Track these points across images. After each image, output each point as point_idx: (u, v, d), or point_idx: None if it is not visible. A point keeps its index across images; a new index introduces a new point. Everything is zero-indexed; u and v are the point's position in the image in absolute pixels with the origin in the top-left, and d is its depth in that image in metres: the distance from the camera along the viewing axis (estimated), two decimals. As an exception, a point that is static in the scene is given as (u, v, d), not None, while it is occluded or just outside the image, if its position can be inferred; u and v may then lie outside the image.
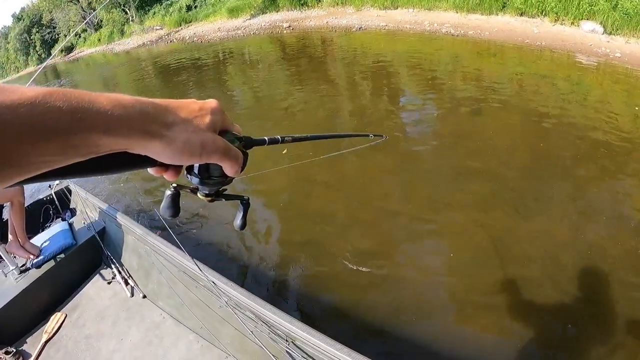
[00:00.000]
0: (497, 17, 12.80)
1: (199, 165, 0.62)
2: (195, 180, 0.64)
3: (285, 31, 18.77)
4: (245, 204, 0.77)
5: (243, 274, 4.29)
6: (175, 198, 0.67)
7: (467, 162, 5.36)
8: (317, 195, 5.43)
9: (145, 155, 0.52)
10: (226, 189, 0.71)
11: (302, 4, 20.29)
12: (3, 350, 3.27)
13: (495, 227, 4.27)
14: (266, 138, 0.75)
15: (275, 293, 3.99)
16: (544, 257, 3.83)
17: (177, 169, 0.60)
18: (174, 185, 0.66)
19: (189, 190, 0.69)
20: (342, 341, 2.23)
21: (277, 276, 4.21)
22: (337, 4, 18.62)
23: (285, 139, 0.79)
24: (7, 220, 3.86)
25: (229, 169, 0.62)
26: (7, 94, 0.36)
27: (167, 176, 0.61)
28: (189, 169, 0.64)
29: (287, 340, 2.40)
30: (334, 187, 5.47)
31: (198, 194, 0.69)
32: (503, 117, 6.74)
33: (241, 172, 0.66)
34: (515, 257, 3.92)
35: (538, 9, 11.93)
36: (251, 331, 2.47)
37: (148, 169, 0.59)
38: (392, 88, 8.91)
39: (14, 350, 3.33)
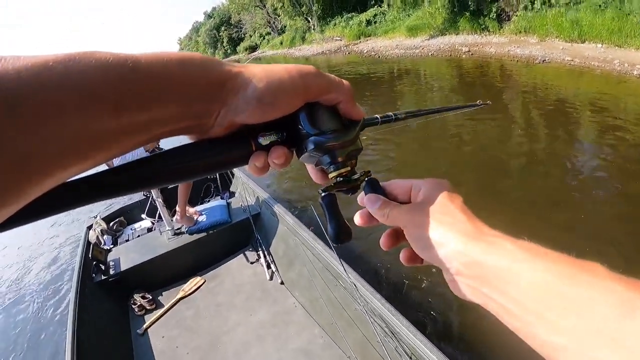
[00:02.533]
0: None
1: (300, 114, 0.47)
2: (310, 145, 0.48)
3: (463, 55, 18.20)
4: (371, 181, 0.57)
5: (384, 282, 4.23)
6: (331, 204, 0.54)
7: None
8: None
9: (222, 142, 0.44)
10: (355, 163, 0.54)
11: (482, 29, 19.58)
12: (140, 295, 3.74)
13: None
14: (378, 116, 0.64)
15: (411, 308, 3.82)
16: None
17: (279, 147, 0.47)
18: (322, 190, 0.54)
19: (338, 185, 0.53)
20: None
21: (419, 295, 4.05)
22: (520, 31, 17.62)
23: (398, 116, 0.68)
24: (172, 188, 4.41)
25: (341, 100, 0.49)
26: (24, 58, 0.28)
27: (275, 159, 0.47)
28: (296, 136, 0.48)
29: (410, 358, 2.31)
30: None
31: (330, 176, 0.53)
32: None
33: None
34: None
35: None
36: (379, 340, 2.41)
37: (247, 166, 0.48)
38: (569, 131, 8.09)
39: (150, 297, 3.77)
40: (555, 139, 7.81)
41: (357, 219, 0.57)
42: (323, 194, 0.54)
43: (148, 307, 3.66)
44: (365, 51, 25.72)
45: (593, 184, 5.82)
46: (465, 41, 19.64)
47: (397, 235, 0.55)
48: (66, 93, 0.28)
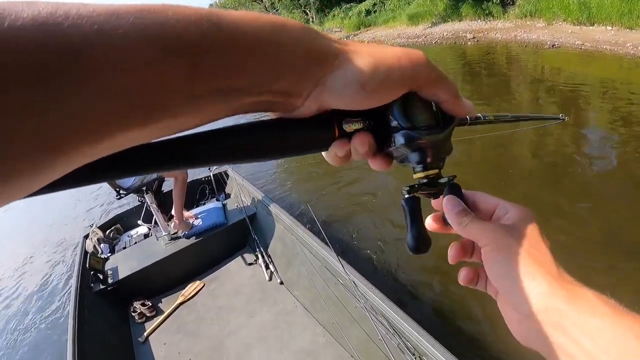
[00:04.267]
0: None
1: (397, 103, 0.43)
2: (399, 139, 0.44)
3: (469, 43, 17.92)
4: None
5: (384, 279, 4.30)
6: (415, 209, 0.50)
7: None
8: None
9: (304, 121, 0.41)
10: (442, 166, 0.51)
11: (486, 14, 19.36)
12: (140, 302, 3.80)
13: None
14: (467, 117, 0.59)
15: (413, 305, 3.91)
16: None
17: (364, 133, 0.44)
18: (406, 189, 0.51)
19: (422, 187, 0.50)
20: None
21: (419, 291, 4.14)
22: (526, 15, 17.39)
23: (487, 117, 0.67)
24: (167, 192, 4.56)
25: (448, 98, 0.45)
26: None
27: (359, 145, 0.44)
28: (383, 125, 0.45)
29: (414, 354, 2.34)
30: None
31: (415, 176, 0.49)
32: None
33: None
34: None
35: None
36: (381, 338, 2.47)
37: (324, 153, 0.46)
38: (577, 120, 8.00)
39: (150, 304, 3.84)
40: (573, 131, 7.83)
41: (430, 222, 0.55)
42: (407, 196, 0.50)
43: (148, 314, 3.74)
44: (366, 41, 25.52)
45: (604, 177, 5.80)
46: (469, 27, 19.40)
47: (465, 250, 0.53)
48: (137, 45, 0.26)
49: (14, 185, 0.24)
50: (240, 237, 4.48)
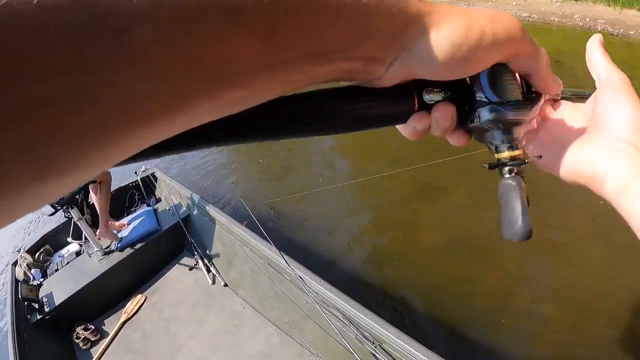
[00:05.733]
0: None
1: (485, 74, 0.39)
2: (485, 114, 0.40)
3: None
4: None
5: (330, 272, 4.34)
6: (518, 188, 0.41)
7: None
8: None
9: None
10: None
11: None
12: (82, 327, 3.65)
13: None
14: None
15: (364, 295, 3.98)
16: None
17: (446, 104, 0.40)
18: (504, 164, 0.43)
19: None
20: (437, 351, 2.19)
21: (367, 278, 4.26)
22: (465, -12, 17.72)
23: (578, 92, 0.61)
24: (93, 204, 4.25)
25: (541, 71, 0.42)
26: None
27: (441, 118, 0.40)
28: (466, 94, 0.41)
29: (373, 343, 2.40)
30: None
31: (497, 156, 0.44)
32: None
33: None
34: None
35: None
36: (337, 331, 2.50)
37: (400, 127, 0.43)
38: None
39: (93, 327, 3.71)
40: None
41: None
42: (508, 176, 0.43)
43: (93, 339, 3.62)
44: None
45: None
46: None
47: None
48: (201, 17, 0.22)
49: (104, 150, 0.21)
50: (177, 242, 4.40)
